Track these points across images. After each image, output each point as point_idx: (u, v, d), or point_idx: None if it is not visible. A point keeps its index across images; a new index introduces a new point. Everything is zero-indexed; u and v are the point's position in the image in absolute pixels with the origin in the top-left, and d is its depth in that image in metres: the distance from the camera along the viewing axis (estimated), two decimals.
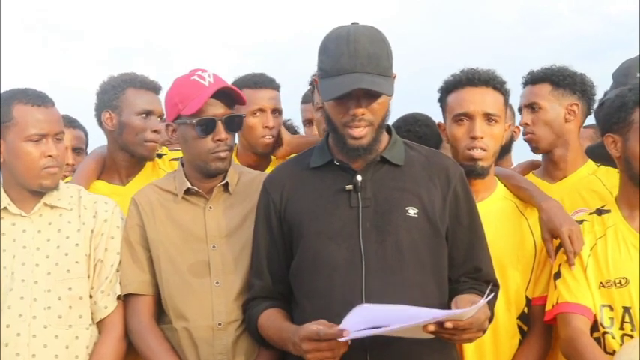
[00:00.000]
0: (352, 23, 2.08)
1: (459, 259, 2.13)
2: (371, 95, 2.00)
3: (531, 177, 2.87)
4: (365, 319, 1.82)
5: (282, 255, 2.17)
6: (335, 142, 2.12)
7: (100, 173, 2.91)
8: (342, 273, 2.02)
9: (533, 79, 2.88)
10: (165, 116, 2.76)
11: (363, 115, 2.01)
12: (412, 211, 2.06)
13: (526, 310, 2.44)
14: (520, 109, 2.94)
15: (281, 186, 2.19)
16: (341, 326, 1.81)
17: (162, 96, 2.83)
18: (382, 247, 2.03)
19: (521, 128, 2.94)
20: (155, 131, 2.81)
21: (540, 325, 2.42)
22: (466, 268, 2.12)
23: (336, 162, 2.12)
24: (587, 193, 2.73)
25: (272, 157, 3.17)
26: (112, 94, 2.85)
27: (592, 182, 2.76)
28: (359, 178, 2.07)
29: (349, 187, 2.07)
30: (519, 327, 2.43)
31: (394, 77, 2.09)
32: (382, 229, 2.04)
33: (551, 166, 2.86)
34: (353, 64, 1.98)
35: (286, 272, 2.16)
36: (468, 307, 1.82)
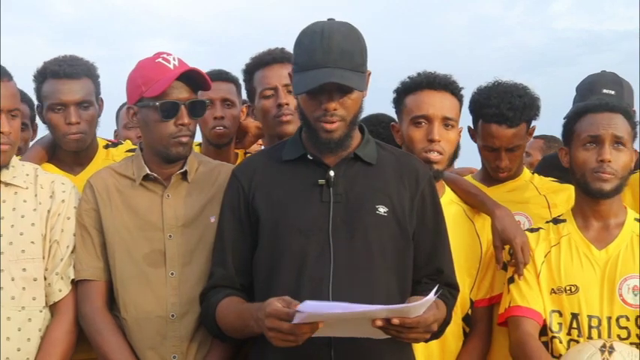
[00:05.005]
0: (328, 19, 2.09)
1: (422, 260, 2.15)
2: (343, 90, 2.01)
3: (469, 179, 2.90)
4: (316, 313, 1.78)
5: (249, 245, 2.14)
6: (308, 136, 2.12)
7: (49, 158, 2.78)
8: (310, 266, 2.02)
9: (513, 121, 2.67)
10: (86, 104, 2.65)
11: (335, 110, 2.02)
12: (382, 210, 2.08)
13: (470, 312, 2.50)
14: (489, 145, 2.75)
15: (251, 174, 2.17)
16: (297, 308, 1.76)
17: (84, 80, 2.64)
18: (351, 243, 2.04)
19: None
20: (70, 123, 2.64)
21: (482, 327, 2.50)
22: (428, 270, 2.15)
23: (309, 156, 2.12)
24: (522, 198, 2.81)
25: (238, 154, 3.16)
26: (36, 86, 2.71)
27: (528, 189, 2.84)
28: (331, 173, 2.08)
29: (322, 181, 2.07)
30: (462, 328, 2.49)
31: (369, 74, 2.11)
32: (352, 225, 2.05)
33: (493, 173, 2.88)
34: (326, 59, 1.99)
35: (250, 263, 2.14)
36: (411, 303, 1.82)
